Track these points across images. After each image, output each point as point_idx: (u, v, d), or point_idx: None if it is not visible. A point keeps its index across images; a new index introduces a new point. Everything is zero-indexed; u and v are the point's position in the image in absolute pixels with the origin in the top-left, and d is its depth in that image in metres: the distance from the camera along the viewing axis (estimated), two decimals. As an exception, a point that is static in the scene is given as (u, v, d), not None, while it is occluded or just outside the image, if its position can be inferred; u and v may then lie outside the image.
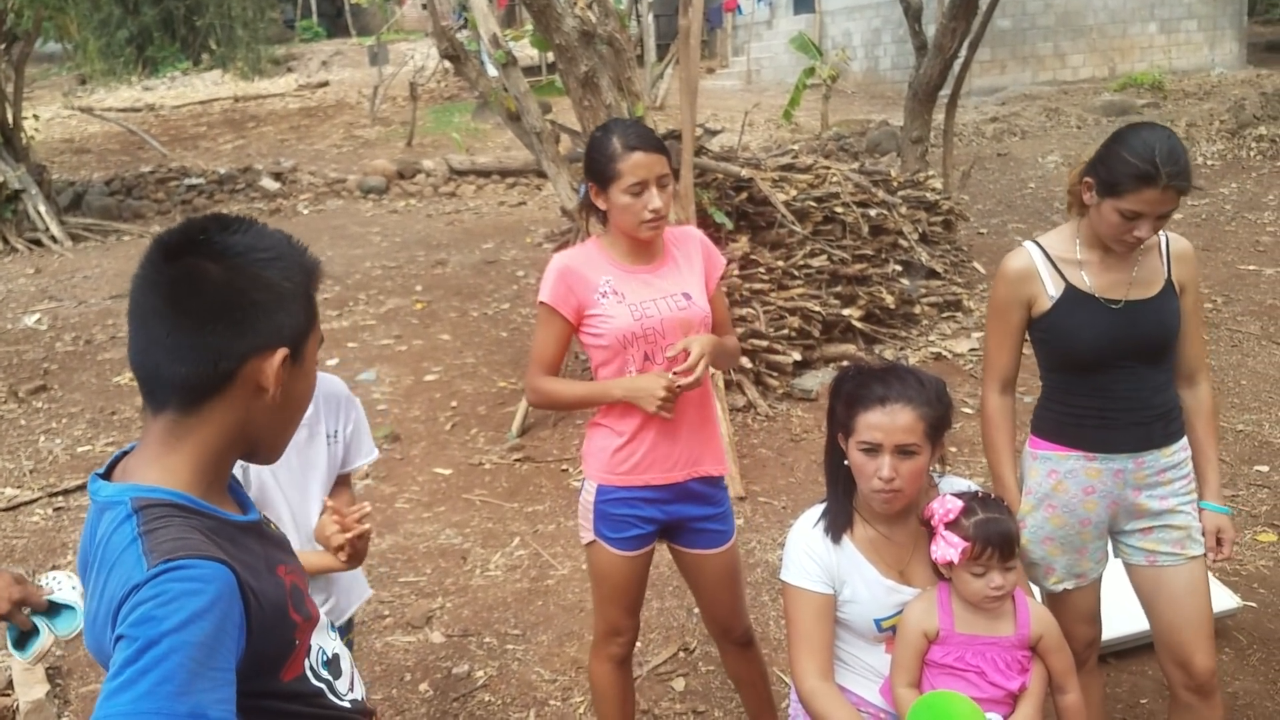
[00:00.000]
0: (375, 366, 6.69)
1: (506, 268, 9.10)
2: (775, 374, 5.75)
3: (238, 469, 1.42)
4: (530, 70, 15.15)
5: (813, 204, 6.27)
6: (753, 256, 5.95)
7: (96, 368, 6.93)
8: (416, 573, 4.19)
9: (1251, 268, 7.42)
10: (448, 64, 8.46)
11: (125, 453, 1.32)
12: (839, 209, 6.35)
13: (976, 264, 7.55)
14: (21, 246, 10.89)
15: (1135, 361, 2.31)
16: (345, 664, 1.43)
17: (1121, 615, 3.09)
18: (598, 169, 2.43)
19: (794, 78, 11.95)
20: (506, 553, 4.31)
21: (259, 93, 19.66)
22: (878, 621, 2.13)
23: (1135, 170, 2.14)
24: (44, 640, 1.83)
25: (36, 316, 8.28)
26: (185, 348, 1.20)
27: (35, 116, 14.07)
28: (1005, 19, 15.66)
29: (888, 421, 2.02)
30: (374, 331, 7.50)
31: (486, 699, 3.35)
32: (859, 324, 6.19)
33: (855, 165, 7.49)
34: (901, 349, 6.29)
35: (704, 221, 5.49)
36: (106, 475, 1.30)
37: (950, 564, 2.04)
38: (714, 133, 7.01)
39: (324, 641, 1.40)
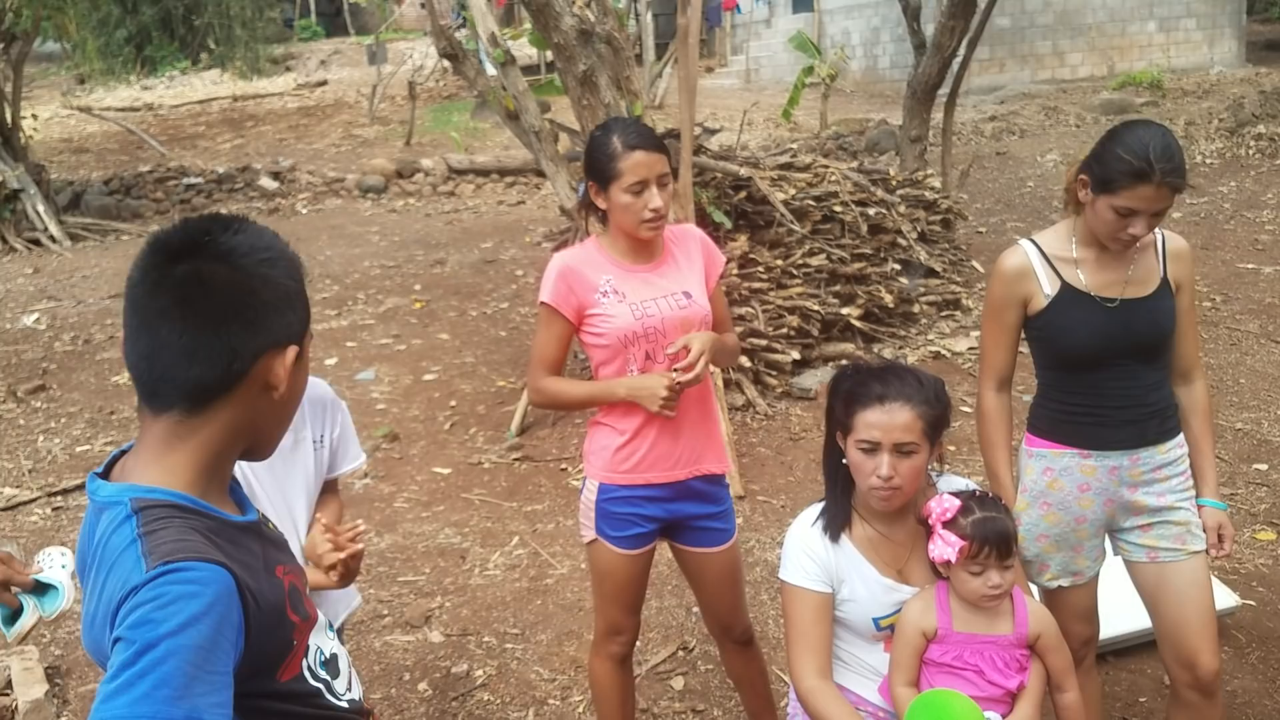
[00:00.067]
0: (374, 366, 6.69)
1: (505, 267, 9.10)
2: (774, 373, 5.75)
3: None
4: (529, 69, 15.14)
5: (811, 203, 6.27)
6: (751, 255, 5.95)
7: (95, 367, 6.93)
8: (415, 572, 4.19)
9: (1250, 266, 7.43)
10: (446, 63, 8.46)
11: (123, 452, 1.32)
12: (838, 208, 6.35)
13: (975, 263, 7.55)
14: (20, 246, 10.89)
15: (1130, 360, 2.32)
16: (343, 664, 1.43)
17: (1120, 614, 3.09)
18: (598, 168, 2.43)
19: (793, 77, 11.95)
20: (505, 552, 4.31)
21: (257, 92, 19.65)
22: (876, 620, 2.13)
23: (1130, 167, 2.14)
24: (28, 618, 1.82)
25: (35, 316, 8.28)
26: (200, 349, 1.21)
27: (34, 116, 14.08)
28: (1004, 17, 15.66)
29: (886, 420, 2.02)
30: (373, 331, 7.50)
31: (485, 698, 3.35)
32: (858, 323, 6.19)
33: (854, 164, 7.49)
34: (900, 348, 6.29)
35: (703, 220, 5.49)
36: (104, 475, 1.30)
37: (948, 563, 2.04)
38: (713, 132, 7.01)
39: (322, 641, 1.40)
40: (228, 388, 1.24)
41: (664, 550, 2.70)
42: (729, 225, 5.87)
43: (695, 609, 3.70)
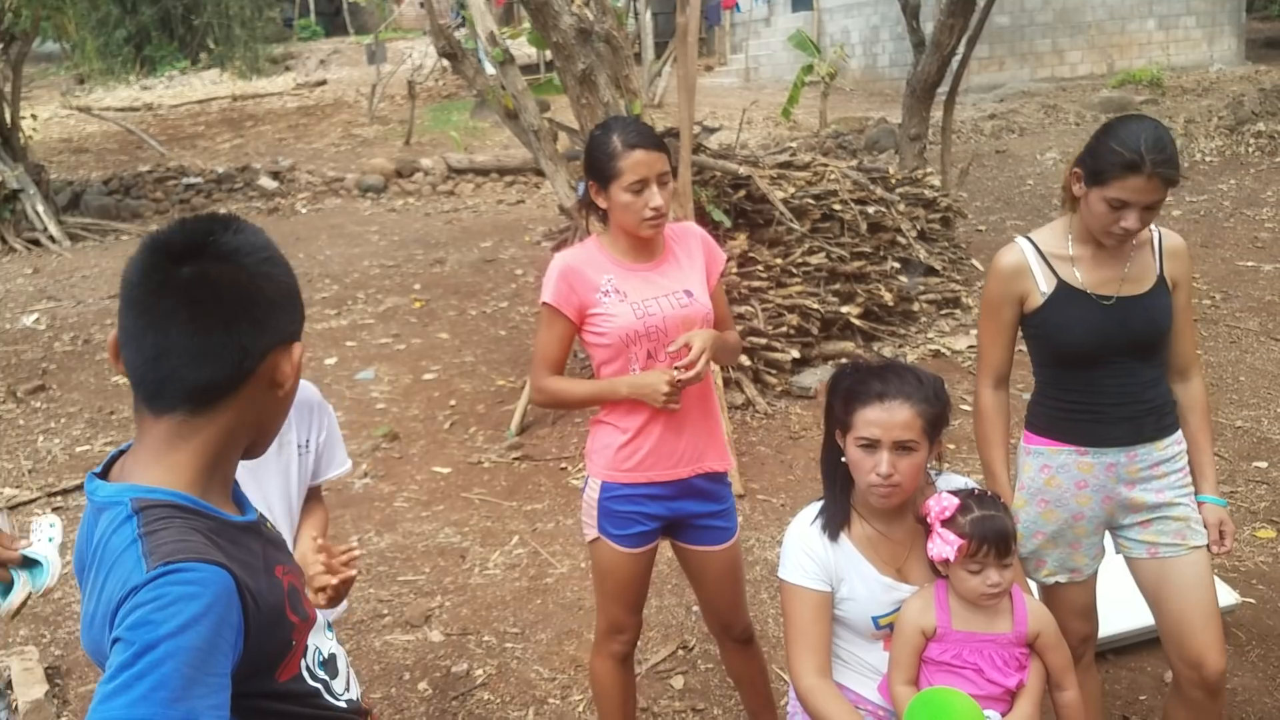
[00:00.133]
0: (374, 365, 6.69)
1: (505, 266, 9.10)
2: (774, 372, 5.75)
3: None
4: (528, 68, 15.13)
5: (811, 201, 6.26)
6: (751, 254, 5.95)
7: (95, 367, 6.93)
8: (415, 571, 4.19)
9: (1250, 264, 7.42)
10: (445, 62, 8.46)
11: (121, 452, 1.32)
12: (837, 206, 6.35)
13: (975, 261, 7.55)
14: (20, 246, 10.89)
15: (1127, 357, 2.32)
16: (341, 664, 1.43)
17: (1120, 612, 3.09)
18: (598, 167, 2.43)
19: (792, 75, 11.94)
20: (505, 551, 4.31)
21: (257, 92, 19.65)
22: (875, 619, 2.13)
23: (1121, 158, 2.15)
24: (18, 593, 1.83)
25: (35, 316, 8.28)
26: (211, 349, 1.21)
27: (33, 116, 14.07)
28: (1003, 16, 15.66)
29: (886, 418, 2.02)
30: (372, 330, 7.50)
31: (485, 697, 3.35)
32: (857, 321, 6.19)
33: (853, 162, 7.50)
34: (900, 346, 6.29)
35: (702, 219, 5.48)
36: (103, 475, 1.30)
37: (947, 561, 2.04)
38: (712, 130, 7.01)
39: (320, 642, 1.40)
40: (235, 387, 1.24)
41: (664, 549, 2.70)
42: (728, 224, 5.87)
43: (695, 608, 3.70)
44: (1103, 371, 2.33)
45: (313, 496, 2.28)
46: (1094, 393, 2.34)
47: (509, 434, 5.46)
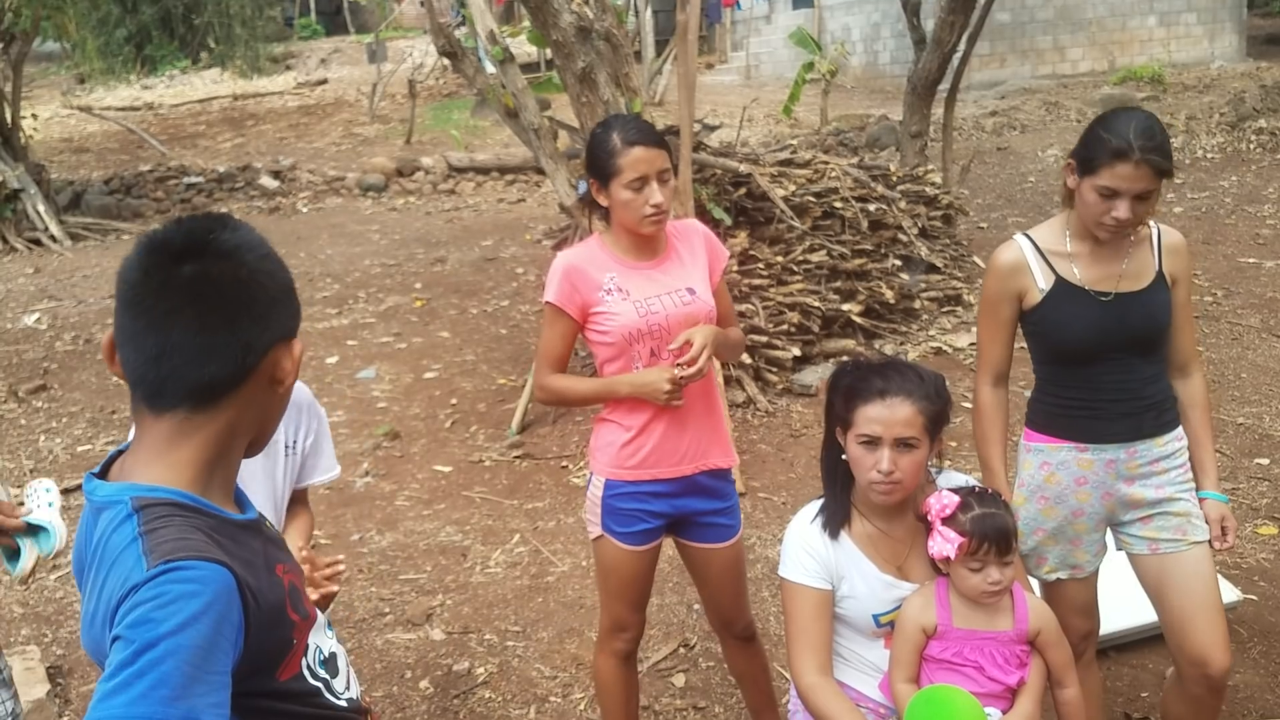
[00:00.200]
0: (375, 364, 6.69)
1: (506, 265, 9.10)
2: (775, 369, 5.74)
3: None
4: (528, 66, 15.12)
5: (812, 199, 6.26)
6: (752, 252, 5.94)
7: (96, 367, 6.93)
8: (417, 570, 4.19)
9: (1251, 261, 7.41)
10: (446, 61, 8.46)
11: (120, 452, 1.32)
12: (838, 204, 6.34)
13: (976, 258, 7.53)
14: (21, 246, 10.89)
15: (1126, 353, 2.32)
16: (341, 662, 1.43)
17: (1122, 609, 3.09)
18: (598, 165, 2.44)
19: (793, 73, 11.91)
20: (507, 550, 4.31)
21: (258, 91, 19.64)
22: (876, 617, 2.13)
23: (1109, 146, 2.16)
24: (27, 559, 1.84)
25: (36, 316, 8.28)
26: (215, 347, 1.22)
27: (34, 116, 14.07)
28: (1004, 13, 15.64)
29: (887, 414, 2.02)
30: (373, 329, 7.50)
31: (487, 696, 3.35)
32: (858, 319, 6.19)
33: (854, 160, 7.48)
34: (901, 344, 6.28)
35: (702, 217, 5.48)
36: (102, 475, 1.30)
37: (947, 559, 2.04)
38: (713, 128, 7.00)
39: (321, 640, 1.39)
40: (237, 384, 1.25)
41: (665, 547, 2.70)
42: (729, 222, 5.87)
43: (696, 606, 3.70)
44: (1101, 368, 2.32)
45: (299, 501, 2.24)
46: (1093, 389, 2.34)
47: (510, 433, 5.46)
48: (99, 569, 1.19)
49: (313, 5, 26.92)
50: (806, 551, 2.13)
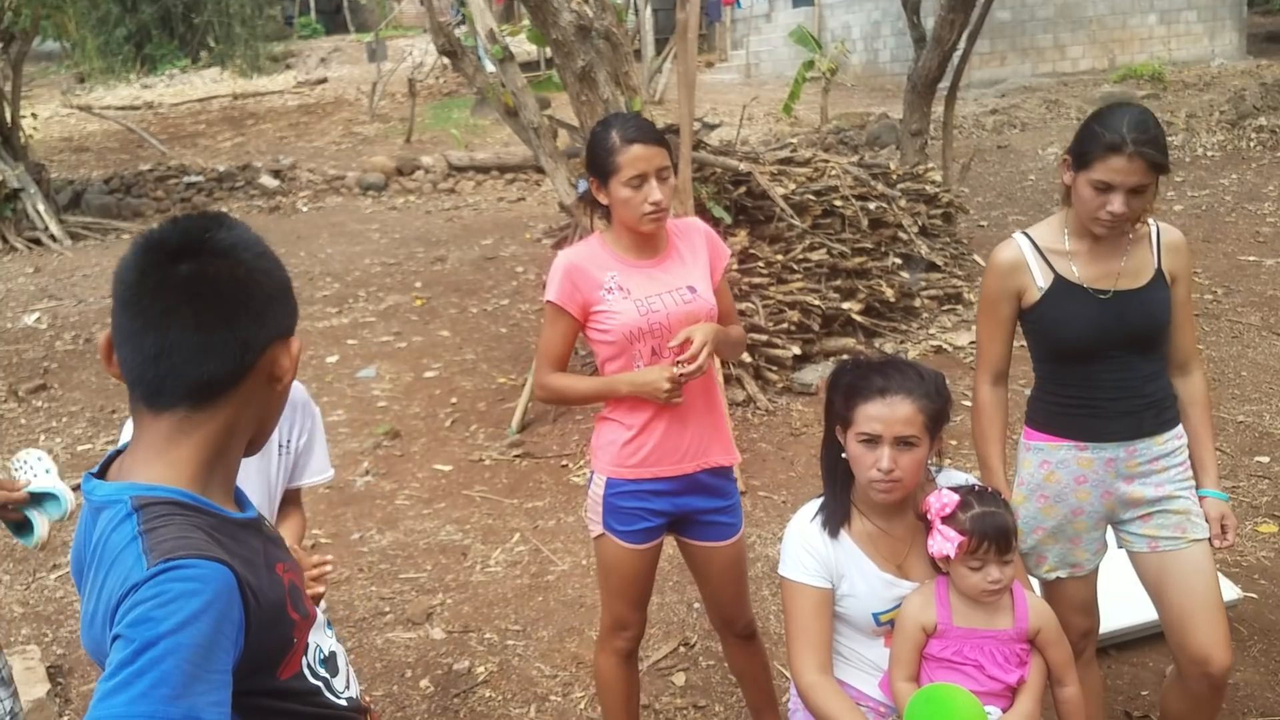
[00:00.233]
0: (375, 363, 6.69)
1: (506, 264, 9.10)
2: (775, 368, 5.74)
3: None
4: (528, 65, 15.11)
5: (812, 197, 6.26)
6: (751, 251, 5.94)
7: (96, 366, 6.93)
8: (417, 569, 4.19)
9: (1252, 258, 7.41)
10: (445, 60, 8.46)
11: (118, 452, 1.32)
12: (838, 202, 6.34)
13: (977, 256, 7.53)
14: (21, 245, 10.89)
15: (1125, 351, 2.31)
16: (341, 661, 1.43)
17: (1122, 607, 3.09)
18: (597, 163, 2.44)
19: (793, 71, 11.91)
20: (507, 549, 4.31)
21: (258, 90, 19.64)
22: (876, 615, 2.13)
23: (1103, 140, 2.17)
24: (41, 529, 1.85)
25: (36, 315, 8.28)
26: (213, 345, 1.22)
27: (34, 115, 14.07)
28: (1004, 11, 15.63)
29: (887, 413, 2.02)
30: (374, 328, 7.50)
31: (487, 695, 3.35)
32: (859, 318, 6.19)
33: (854, 158, 7.48)
34: (901, 342, 6.28)
35: (702, 215, 5.48)
36: (100, 475, 1.30)
37: (947, 558, 2.04)
38: (712, 127, 7.00)
39: (320, 639, 1.40)
40: (236, 382, 1.25)
41: (666, 545, 2.70)
42: (728, 220, 5.87)
43: (696, 605, 3.70)
44: (1100, 366, 2.32)
45: (291, 501, 2.23)
46: (1092, 387, 2.34)
47: (510, 431, 5.46)
48: (98, 568, 1.19)
49: (312, 4, 26.92)
50: (806, 550, 2.13)
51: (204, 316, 1.21)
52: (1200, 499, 2.39)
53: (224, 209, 12.29)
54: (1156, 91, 14.02)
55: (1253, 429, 4.87)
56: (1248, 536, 3.94)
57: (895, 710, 2.10)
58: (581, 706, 3.25)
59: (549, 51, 6.29)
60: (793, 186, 6.19)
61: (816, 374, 5.73)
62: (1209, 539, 2.37)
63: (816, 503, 2.21)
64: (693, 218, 2.82)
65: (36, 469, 1.89)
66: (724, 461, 2.58)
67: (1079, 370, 2.35)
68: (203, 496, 1.24)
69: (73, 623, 3.87)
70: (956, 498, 2.06)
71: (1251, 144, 10.65)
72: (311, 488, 2.28)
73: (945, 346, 6.21)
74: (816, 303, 5.95)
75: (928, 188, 7.25)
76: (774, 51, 18.87)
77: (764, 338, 5.70)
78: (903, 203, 6.77)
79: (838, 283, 6.21)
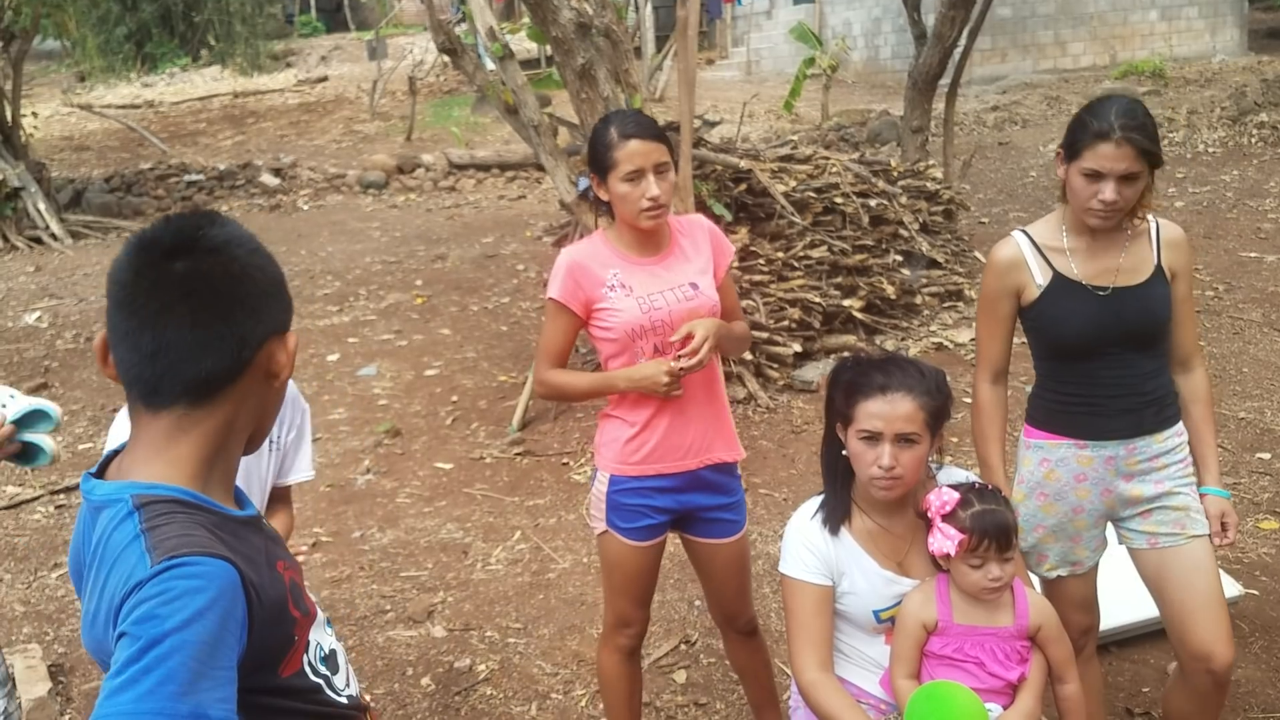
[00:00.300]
0: (376, 361, 6.70)
1: (506, 262, 9.10)
2: (775, 366, 5.74)
3: None
4: (528, 63, 15.10)
5: (812, 195, 6.25)
6: (752, 248, 5.94)
7: (96, 365, 6.93)
8: (418, 567, 4.19)
9: (1253, 255, 7.40)
10: (446, 58, 8.45)
11: (115, 452, 1.32)
12: (839, 199, 6.34)
13: (978, 253, 7.52)
14: (21, 244, 10.89)
15: (1124, 348, 2.31)
16: (341, 659, 1.43)
17: (1123, 604, 3.09)
18: (597, 159, 2.45)
19: (794, 68, 11.91)
20: (508, 547, 4.31)
21: (258, 88, 19.64)
22: (876, 613, 2.13)
23: (1091, 128, 2.19)
24: (47, 445, 1.89)
25: (37, 314, 8.29)
26: (211, 342, 1.22)
27: (34, 114, 14.08)
28: (1005, 7, 15.62)
29: (888, 410, 2.02)
30: (374, 326, 7.50)
31: (488, 693, 3.36)
32: (860, 315, 6.18)
33: (855, 155, 7.47)
34: (902, 339, 6.28)
35: (703, 213, 5.47)
36: (99, 475, 1.30)
37: (948, 556, 2.03)
38: (713, 124, 6.99)
39: (321, 637, 1.40)
40: (234, 378, 1.25)
41: (668, 542, 2.69)
42: (729, 218, 5.86)
43: (698, 602, 3.70)
44: (1100, 363, 2.32)
45: (278, 499, 2.23)
46: (1091, 385, 2.34)
47: (511, 429, 5.46)
48: (100, 568, 1.19)
49: (313, 2, 26.91)
50: (807, 547, 2.13)
51: (200, 314, 1.22)
52: (1201, 496, 2.39)
53: (225, 207, 12.30)
54: (1158, 88, 14.01)
55: (1254, 425, 4.87)
56: (1249, 533, 3.93)
57: (896, 707, 2.10)
58: (583, 705, 3.25)
59: (549, 49, 6.28)
60: (793, 184, 6.18)
61: (817, 371, 5.73)
62: (1209, 535, 2.36)
63: (817, 500, 2.21)
64: (697, 215, 2.82)
65: (3, 398, 1.91)
66: (728, 457, 2.58)
67: (1079, 368, 2.35)
68: (203, 494, 1.24)
69: (74, 621, 3.87)
70: (957, 496, 2.05)
71: (1253, 140, 10.64)
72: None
73: (946, 343, 6.21)
74: (817, 300, 5.94)
75: (929, 184, 7.24)
76: (775, 48, 18.85)
77: (765, 335, 5.70)
78: (904, 200, 6.76)
79: (838, 280, 6.21)
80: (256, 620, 1.17)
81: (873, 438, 2.04)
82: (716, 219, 5.74)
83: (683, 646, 3.53)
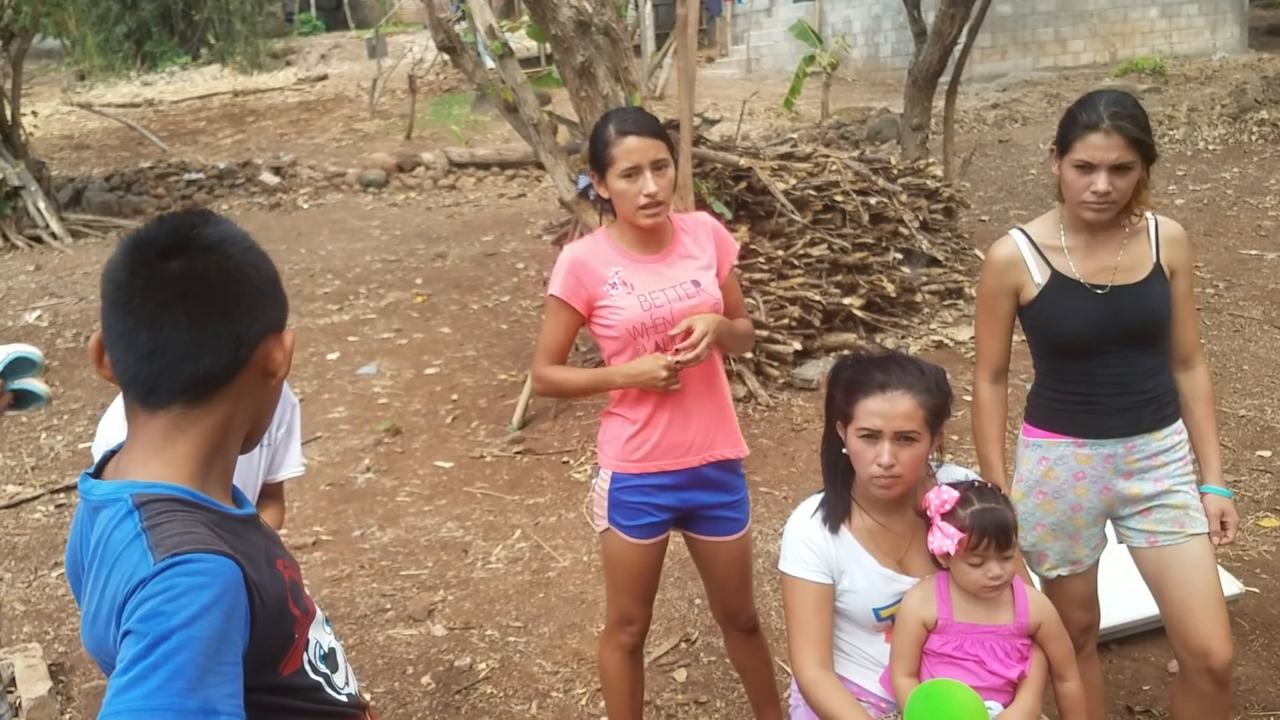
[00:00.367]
0: (376, 360, 6.69)
1: (506, 260, 9.09)
2: (776, 364, 5.74)
3: None
4: (528, 61, 15.11)
5: (812, 193, 6.25)
6: (752, 246, 5.93)
7: (97, 364, 6.93)
8: (418, 566, 4.19)
9: (1253, 252, 7.40)
10: (445, 56, 8.45)
11: (113, 452, 1.32)
12: (839, 197, 6.33)
13: (978, 251, 7.51)
14: (21, 243, 10.89)
15: (1123, 346, 2.31)
16: (340, 658, 1.43)
17: (1123, 602, 3.09)
18: (595, 156, 2.45)
19: (794, 66, 11.90)
20: (508, 545, 4.31)
21: (258, 87, 19.63)
22: (876, 611, 2.13)
23: (1081, 120, 2.20)
24: (38, 388, 1.92)
25: (37, 313, 8.29)
26: (207, 340, 1.22)
27: (34, 113, 14.06)
28: (1005, 4, 15.62)
29: (888, 408, 2.02)
30: (374, 325, 7.50)
31: (488, 691, 3.36)
32: (860, 313, 6.18)
33: (855, 153, 7.46)
34: (903, 337, 6.27)
35: (703, 211, 5.47)
36: (97, 475, 1.29)
37: (947, 555, 2.03)
38: (713, 122, 6.98)
39: (320, 636, 1.40)
40: (231, 376, 1.25)
41: (669, 540, 2.69)
42: (729, 216, 5.86)
43: (698, 601, 3.70)
44: (1098, 361, 2.32)
45: (269, 495, 2.23)
46: (1090, 383, 2.33)
47: (511, 428, 5.45)
48: (100, 567, 1.19)
49: (313, 1, 26.90)
50: (806, 546, 2.13)
51: (196, 312, 1.22)
52: (1203, 495, 2.38)
53: (225, 206, 12.31)
54: (1158, 85, 14.00)
55: (1254, 423, 4.87)
56: (1249, 531, 3.93)
57: (896, 705, 2.09)
58: (583, 703, 3.25)
59: (549, 47, 6.28)
60: (793, 182, 6.17)
61: (817, 369, 5.73)
62: (1208, 533, 2.36)
63: (817, 498, 2.21)
64: (701, 212, 2.81)
65: None
66: (730, 454, 2.57)
67: (1078, 366, 2.34)
68: (202, 493, 1.24)
69: (74, 620, 3.87)
70: (956, 494, 2.05)
71: (1253, 137, 10.64)
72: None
73: (946, 341, 6.21)
74: (817, 298, 5.94)
75: (929, 182, 7.23)
76: (774, 46, 18.84)
77: (765, 333, 5.69)
78: (904, 198, 6.76)
79: (838, 278, 6.21)
80: (258, 618, 1.17)
81: (872, 436, 2.04)
82: (716, 217, 5.73)
83: (683, 645, 3.53)
